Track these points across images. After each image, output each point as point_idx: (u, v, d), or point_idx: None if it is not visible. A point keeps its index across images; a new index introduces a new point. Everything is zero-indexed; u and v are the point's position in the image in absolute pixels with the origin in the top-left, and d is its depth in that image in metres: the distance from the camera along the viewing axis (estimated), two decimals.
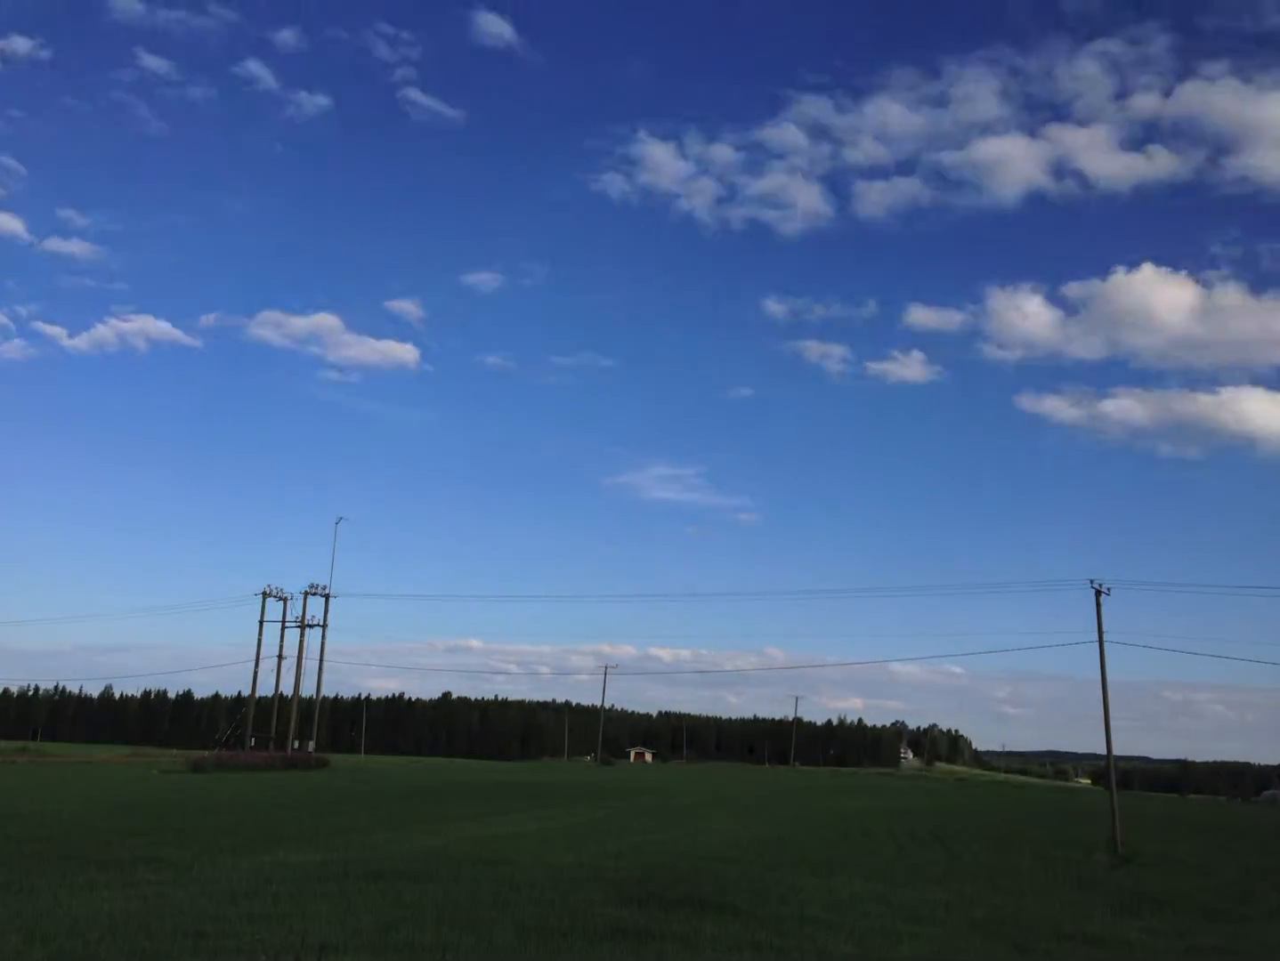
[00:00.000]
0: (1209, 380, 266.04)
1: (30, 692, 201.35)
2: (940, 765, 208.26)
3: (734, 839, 23.55)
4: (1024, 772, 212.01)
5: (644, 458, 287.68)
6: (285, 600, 75.44)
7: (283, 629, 75.28)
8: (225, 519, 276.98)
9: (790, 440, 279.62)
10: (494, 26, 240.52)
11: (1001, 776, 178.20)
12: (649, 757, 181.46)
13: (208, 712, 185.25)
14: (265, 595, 75.25)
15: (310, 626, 74.26)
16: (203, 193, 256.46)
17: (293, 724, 72.74)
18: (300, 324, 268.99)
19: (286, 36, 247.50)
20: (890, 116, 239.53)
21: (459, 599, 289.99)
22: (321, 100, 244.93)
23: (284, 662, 74.67)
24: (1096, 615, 30.77)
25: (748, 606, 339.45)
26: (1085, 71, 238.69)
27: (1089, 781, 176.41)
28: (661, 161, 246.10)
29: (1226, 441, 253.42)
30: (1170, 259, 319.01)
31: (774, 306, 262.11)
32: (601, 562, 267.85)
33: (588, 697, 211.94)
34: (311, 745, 74.90)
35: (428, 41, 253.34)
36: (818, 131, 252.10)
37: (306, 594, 74.40)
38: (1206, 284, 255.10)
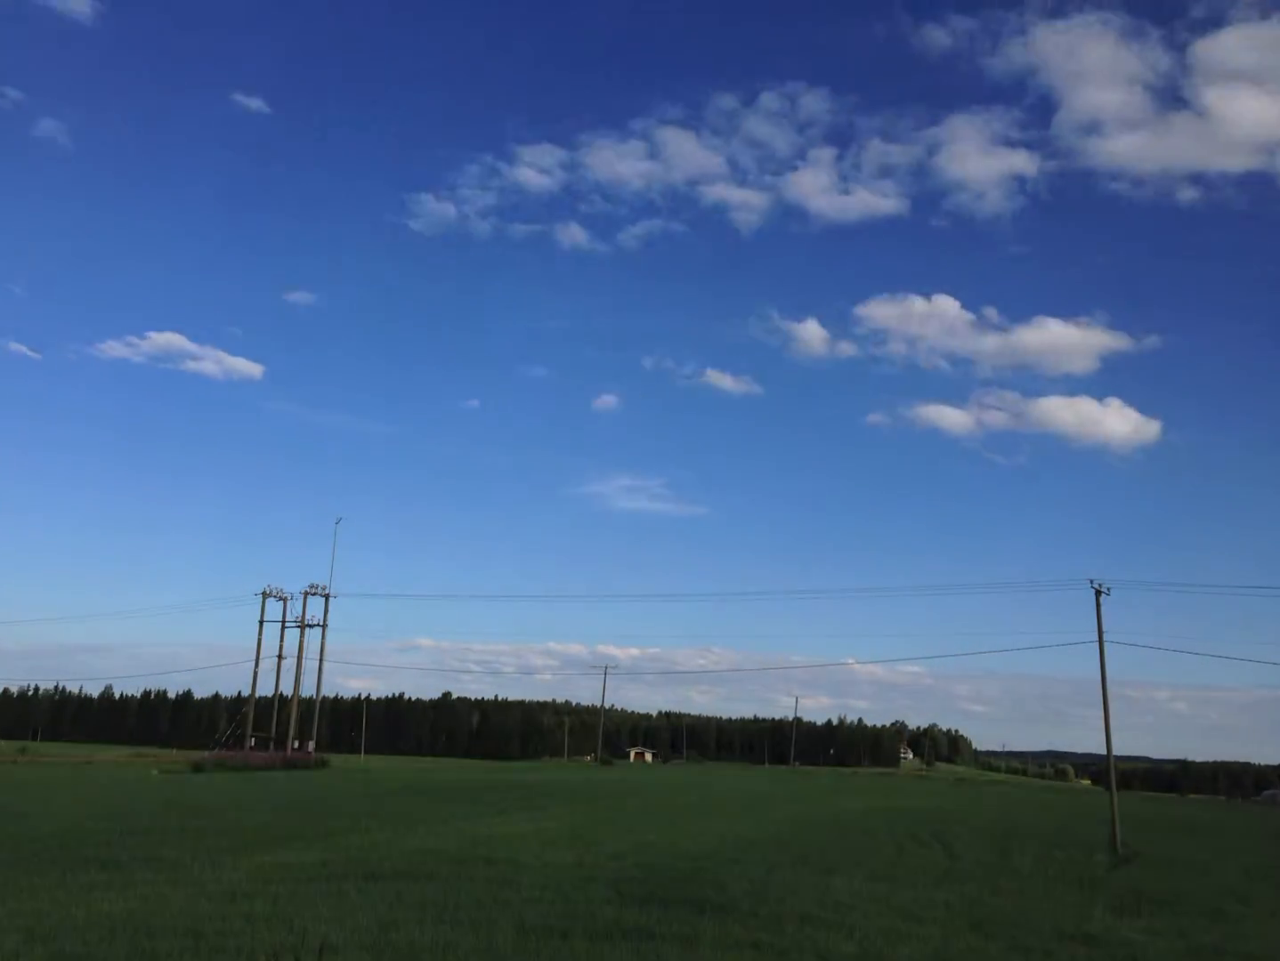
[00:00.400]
0: (1013, 389, 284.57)
1: (30, 692, 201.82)
2: (940, 765, 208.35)
3: (734, 839, 23.54)
4: (1024, 773, 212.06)
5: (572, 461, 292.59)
6: (285, 600, 75.53)
7: (283, 629, 75.35)
8: (226, 519, 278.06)
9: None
10: (253, 104, 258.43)
11: (1001, 776, 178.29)
12: (649, 757, 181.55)
13: (208, 712, 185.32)
14: (265, 595, 75.33)
15: (310, 626, 74.36)
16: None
17: (292, 724, 72.72)
18: (147, 345, 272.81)
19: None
20: (617, 169, 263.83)
21: (457, 599, 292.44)
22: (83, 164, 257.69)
23: (284, 663, 74.79)
24: (1096, 615, 30.81)
25: (720, 608, 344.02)
26: (760, 132, 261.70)
27: (1089, 782, 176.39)
28: (431, 210, 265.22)
29: (1042, 445, 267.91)
30: (930, 286, 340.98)
31: (555, 323, 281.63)
32: (560, 565, 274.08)
33: (544, 694, 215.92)
34: (311, 745, 74.84)
35: (193, 119, 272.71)
36: (555, 177, 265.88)
37: (306, 594, 74.48)
38: (970, 305, 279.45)
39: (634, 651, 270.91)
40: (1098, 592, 31.06)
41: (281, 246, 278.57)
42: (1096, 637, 30.66)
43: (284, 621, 75.22)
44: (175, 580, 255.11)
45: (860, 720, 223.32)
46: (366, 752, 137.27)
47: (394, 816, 26.26)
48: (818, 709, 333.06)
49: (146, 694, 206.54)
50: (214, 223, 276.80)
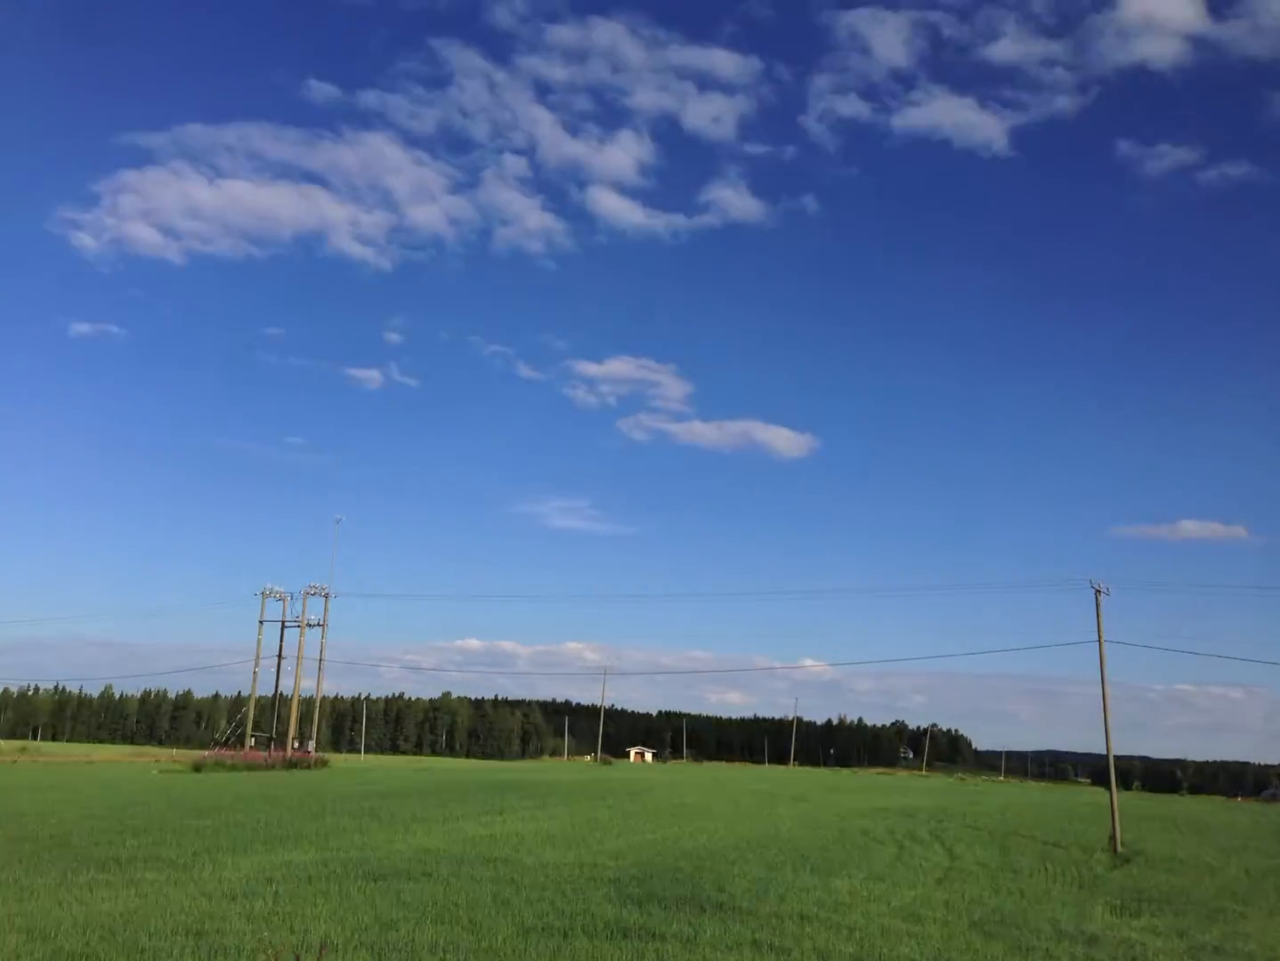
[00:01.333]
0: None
1: (30, 692, 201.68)
2: (940, 765, 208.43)
3: (734, 839, 23.54)
4: (1023, 772, 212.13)
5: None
6: (285, 600, 75.49)
7: (282, 629, 75.27)
8: (225, 519, 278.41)
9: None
10: None
11: (1001, 776, 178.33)
12: (649, 757, 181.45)
13: (208, 712, 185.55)
14: (265, 595, 75.32)
15: (310, 626, 74.33)
16: None
17: (292, 723, 72.72)
18: None
19: None
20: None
21: (458, 599, 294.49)
22: None
23: (284, 662, 74.79)
24: (1096, 615, 30.77)
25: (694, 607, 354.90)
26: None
27: (1089, 781, 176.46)
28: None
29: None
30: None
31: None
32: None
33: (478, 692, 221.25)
34: (312, 745, 74.84)
35: None
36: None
37: (306, 594, 74.43)
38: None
39: (532, 649, 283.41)
40: (1097, 592, 31.01)
41: None
42: (1096, 637, 30.63)
43: (284, 621, 75.26)
44: (175, 580, 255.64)
45: (860, 719, 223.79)
46: (366, 752, 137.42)
47: (394, 816, 26.26)
48: (735, 704, 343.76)
49: (146, 694, 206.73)
50: None
